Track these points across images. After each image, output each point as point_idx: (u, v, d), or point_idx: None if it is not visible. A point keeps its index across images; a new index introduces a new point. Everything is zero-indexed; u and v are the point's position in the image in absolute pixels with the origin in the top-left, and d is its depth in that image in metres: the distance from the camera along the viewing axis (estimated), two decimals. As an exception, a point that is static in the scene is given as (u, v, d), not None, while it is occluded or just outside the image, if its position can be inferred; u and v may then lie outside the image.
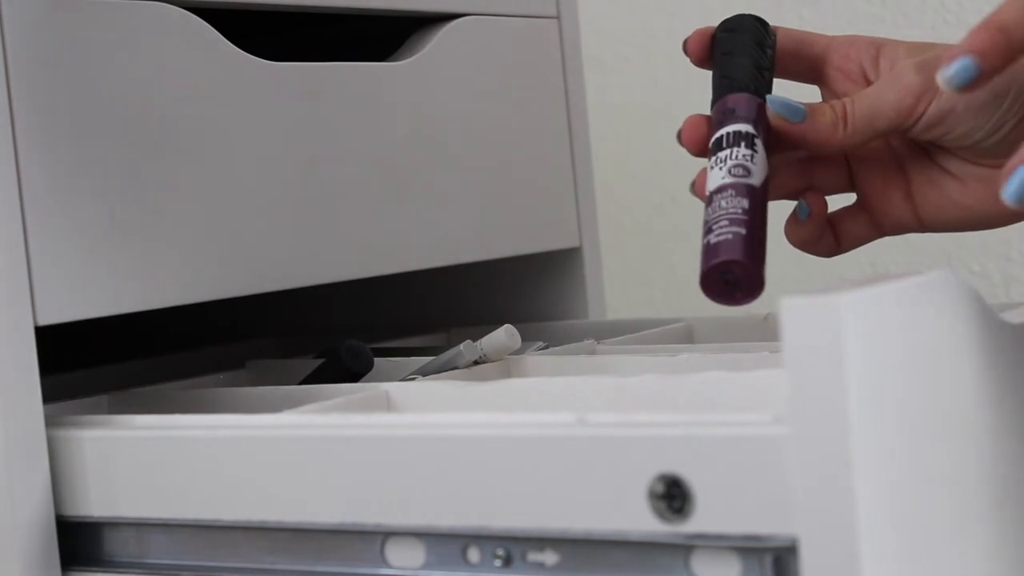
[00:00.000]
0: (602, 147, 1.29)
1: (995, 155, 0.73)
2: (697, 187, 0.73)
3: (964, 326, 0.61)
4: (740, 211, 0.68)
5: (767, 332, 0.93)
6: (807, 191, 0.76)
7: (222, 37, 0.82)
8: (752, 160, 0.70)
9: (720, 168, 0.70)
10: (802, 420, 0.54)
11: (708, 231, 0.68)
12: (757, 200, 0.69)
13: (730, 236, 0.67)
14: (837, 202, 0.78)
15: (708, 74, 0.77)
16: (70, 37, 0.75)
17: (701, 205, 0.71)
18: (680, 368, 0.79)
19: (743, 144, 0.71)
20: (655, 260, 1.50)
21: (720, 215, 0.68)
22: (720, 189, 0.69)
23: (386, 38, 0.95)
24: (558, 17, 1.04)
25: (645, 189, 1.50)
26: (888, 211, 0.77)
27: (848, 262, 1.32)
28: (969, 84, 0.66)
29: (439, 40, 0.94)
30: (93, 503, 0.72)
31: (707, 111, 0.75)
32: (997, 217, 0.74)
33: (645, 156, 1.49)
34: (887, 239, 0.79)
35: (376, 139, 0.90)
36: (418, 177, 0.93)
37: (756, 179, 0.70)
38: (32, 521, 0.71)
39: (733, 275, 0.67)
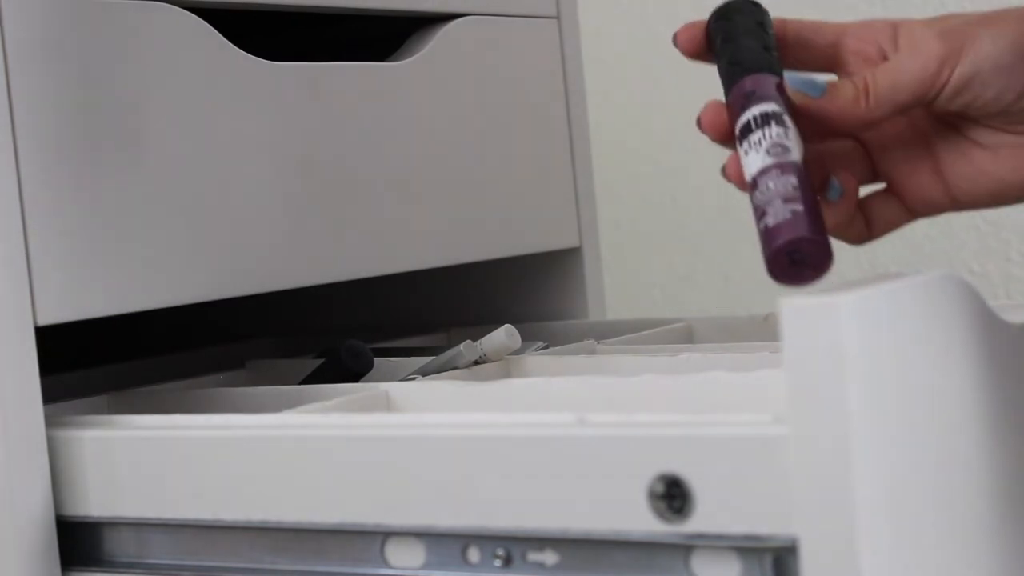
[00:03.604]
0: (602, 147, 1.29)
1: None
2: (728, 170, 0.70)
3: (964, 326, 0.61)
4: (791, 188, 0.66)
5: (767, 332, 0.93)
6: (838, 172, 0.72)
7: (222, 37, 0.82)
8: (787, 136, 0.68)
9: (756, 151, 0.68)
10: (802, 420, 0.54)
11: (763, 214, 0.66)
12: (803, 175, 0.67)
13: (789, 215, 0.65)
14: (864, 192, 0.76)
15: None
16: (70, 37, 0.75)
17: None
18: (680, 368, 0.79)
19: (773, 123, 0.69)
20: (655, 260, 1.50)
21: (772, 196, 0.66)
22: (764, 171, 0.67)
23: (386, 38, 0.95)
24: (558, 17, 1.04)
25: (645, 189, 1.50)
26: (918, 192, 0.73)
27: (848, 262, 1.32)
28: None
29: (439, 40, 0.94)
30: (93, 503, 0.72)
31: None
32: None
33: (645, 156, 1.49)
34: (886, 239, 0.78)
35: (376, 139, 0.90)
36: (418, 177, 0.93)
37: (796, 155, 0.68)
38: (32, 521, 0.71)
39: (800, 253, 0.65)
